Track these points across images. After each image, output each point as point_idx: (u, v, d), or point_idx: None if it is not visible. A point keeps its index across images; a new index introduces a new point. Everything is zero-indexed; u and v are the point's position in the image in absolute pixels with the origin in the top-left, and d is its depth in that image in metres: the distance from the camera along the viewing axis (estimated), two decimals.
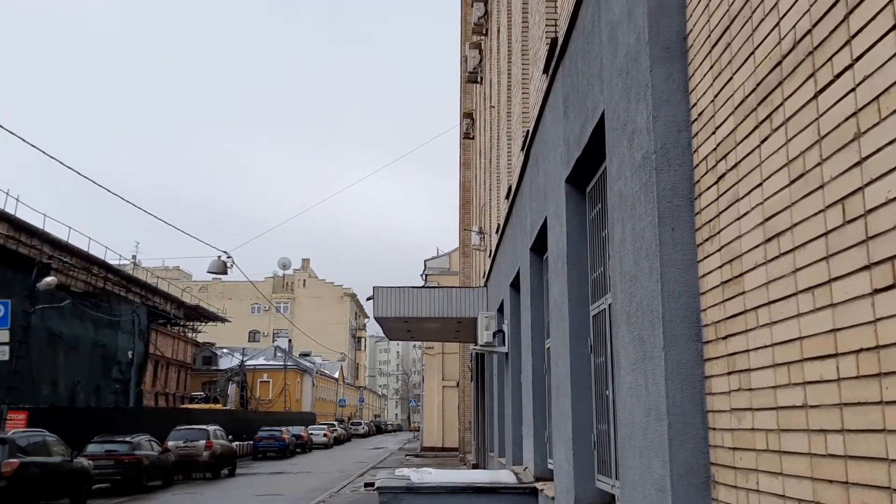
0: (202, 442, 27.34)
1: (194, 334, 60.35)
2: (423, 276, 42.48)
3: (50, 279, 26.87)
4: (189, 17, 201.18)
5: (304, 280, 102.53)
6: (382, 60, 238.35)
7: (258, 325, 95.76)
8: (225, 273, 22.39)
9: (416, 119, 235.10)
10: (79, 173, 23.07)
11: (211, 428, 28.81)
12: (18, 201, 37.54)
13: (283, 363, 68.43)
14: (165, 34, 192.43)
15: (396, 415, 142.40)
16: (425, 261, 44.45)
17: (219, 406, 50.70)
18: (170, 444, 26.33)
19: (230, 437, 31.67)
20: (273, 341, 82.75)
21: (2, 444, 16.29)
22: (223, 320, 59.68)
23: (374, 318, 19.75)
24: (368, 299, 19.42)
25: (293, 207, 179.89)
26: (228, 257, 22.04)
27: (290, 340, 78.71)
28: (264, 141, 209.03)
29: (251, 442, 40.35)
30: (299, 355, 79.73)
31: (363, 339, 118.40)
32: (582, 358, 6.36)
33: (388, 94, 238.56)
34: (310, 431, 51.04)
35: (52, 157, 17.04)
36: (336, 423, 67.61)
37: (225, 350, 67.38)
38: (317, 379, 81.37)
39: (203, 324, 59.33)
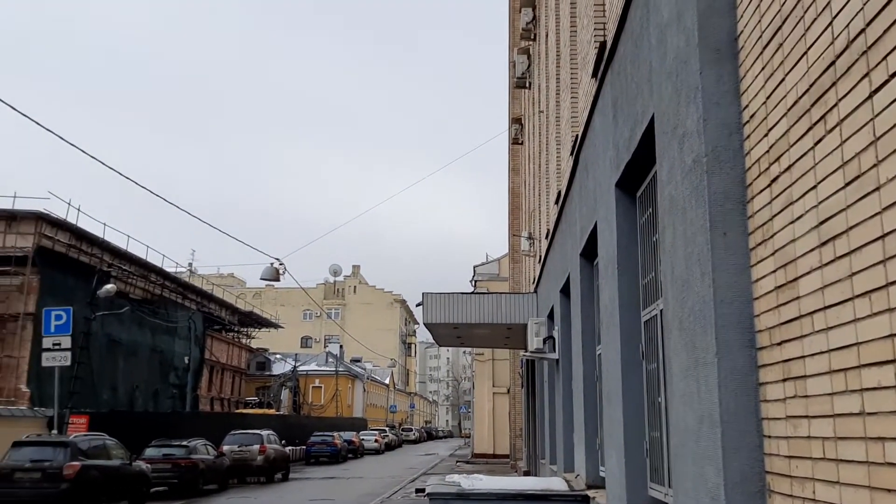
0: (256, 447, 27.74)
1: (248, 340, 61.35)
2: (473, 282, 42.50)
3: (109, 286, 27.61)
4: (233, 26, 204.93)
5: (355, 286, 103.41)
6: (431, 65, 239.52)
7: (310, 331, 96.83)
8: (277, 280, 22.74)
9: (465, 124, 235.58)
10: (136, 183, 23.72)
11: (265, 433, 29.22)
12: (80, 211, 38.65)
13: (334, 369, 69.06)
14: (213, 45, 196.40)
15: (447, 421, 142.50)
16: (474, 267, 44.47)
17: (272, 411, 51.39)
18: (225, 448, 26.79)
19: (283, 441, 32.06)
20: (325, 347, 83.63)
21: (64, 447, 16.80)
22: (276, 326, 60.54)
23: (424, 324, 19.79)
24: (418, 305, 19.48)
25: (344, 214, 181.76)
26: (281, 264, 22.40)
27: (341, 346, 79.43)
28: (314, 148, 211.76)
29: (304, 447, 40.76)
30: (350, 361, 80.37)
31: (413, 346, 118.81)
32: (633, 364, 6.30)
33: (436, 100, 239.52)
34: (361, 437, 51.32)
35: (112, 168, 17.57)
36: (387, 428, 67.88)
37: (278, 356, 68.29)
38: (368, 385, 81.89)
39: (256, 330, 60.29)
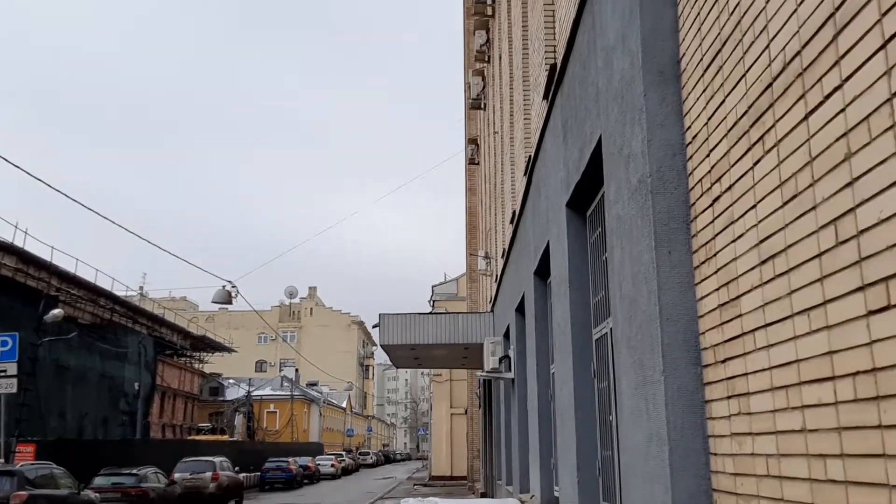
0: (208, 474, 27.22)
1: (201, 365, 60.25)
2: (431, 302, 42.45)
3: (57, 311, 26.92)
4: (186, 43, 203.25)
5: (311, 308, 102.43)
6: (390, 86, 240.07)
7: (265, 354, 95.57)
8: (230, 303, 22.42)
9: (424, 144, 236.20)
10: (84, 206, 23.21)
11: (217, 459, 28.68)
12: (27, 234, 37.77)
13: (289, 393, 68.21)
14: (168, 66, 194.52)
15: (405, 444, 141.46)
16: (433, 286, 44.46)
17: (225, 437, 50.50)
18: (176, 476, 26.18)
19: (237, 468, 31.50)
20: (280, 371, 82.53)
21: (10, 476, 16.25)
22: (229, 350, 59.58)
23: (381, 346, 19.66)
24: (374, 327, 19.35)
25: (300, 235, 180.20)
26: (233, 287, 22.09)
27: (296, 370, 78.53)
28: (270, 169, 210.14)
29: (258, 473, 40.11)
30: (306, 385, 79.47)
31: (371, 368, 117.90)
32: (586, 383, 6.32)
33: (396, 120, 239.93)
34: (317, 462, 50.66)
35: (59, 191, 17.18)
36: (344, 452, 67.13)
37: (231, 381, 67.19)
38: (324, 408, 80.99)
39: (209, 354, 59.24)
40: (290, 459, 42.06)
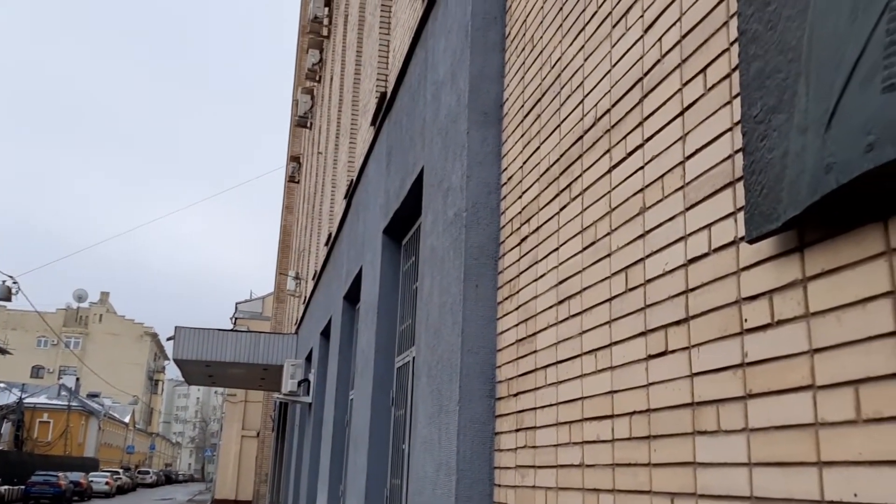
0: None
1: None
2: (233, 320, 41.03)
3: None
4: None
5: (101, 315, 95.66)
6: (211, 95, 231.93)
7: (44, 360, 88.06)
8: (9, 300, 20.58)
9: (242, 155, 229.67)
10: None
11: None
12: None
13: (67, 403, 63.24)
14: None
15: (190, 465, 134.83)
16: (237, 304, 43.01)
17: None
18: None
19: None
20: (59, 378, 76.42)
21: None
22: (3, 352, 54.41)
23: (174, 360, 18.74)
24: (169, 339, 18.44)
25: (99, 235, 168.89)
26: (14, 282, 20.28)
27: (77, 379, 73.13)
28: (75, 160, 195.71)
29: (23, 487, 36.84)
30: (87, 396, 74.15)
31: (161, 383, 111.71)
32: (383, 410, 6.34)
33: (214, 129, 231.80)
34: (90, 478, 47.35)
35: None
36: (121, 470, 63.14)
37: (2, 385, 61.37)
38: (104, 422, 75.74)
39: None
40: (61, 474, 39.01)
